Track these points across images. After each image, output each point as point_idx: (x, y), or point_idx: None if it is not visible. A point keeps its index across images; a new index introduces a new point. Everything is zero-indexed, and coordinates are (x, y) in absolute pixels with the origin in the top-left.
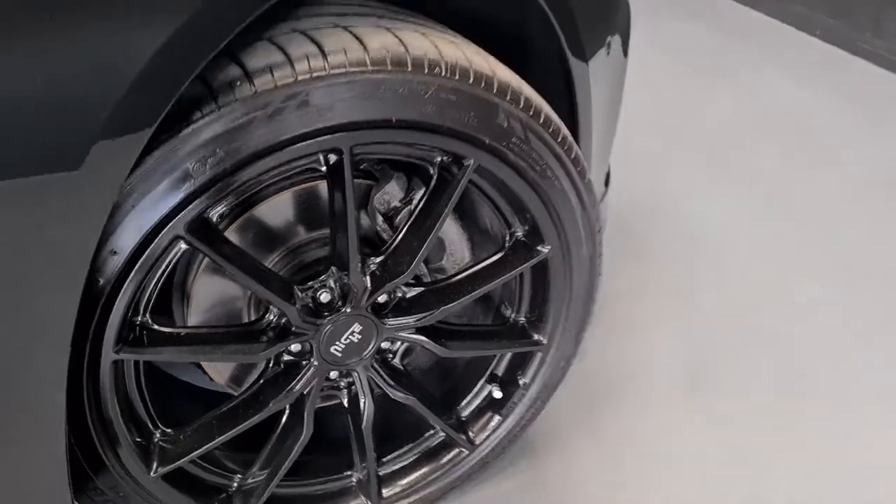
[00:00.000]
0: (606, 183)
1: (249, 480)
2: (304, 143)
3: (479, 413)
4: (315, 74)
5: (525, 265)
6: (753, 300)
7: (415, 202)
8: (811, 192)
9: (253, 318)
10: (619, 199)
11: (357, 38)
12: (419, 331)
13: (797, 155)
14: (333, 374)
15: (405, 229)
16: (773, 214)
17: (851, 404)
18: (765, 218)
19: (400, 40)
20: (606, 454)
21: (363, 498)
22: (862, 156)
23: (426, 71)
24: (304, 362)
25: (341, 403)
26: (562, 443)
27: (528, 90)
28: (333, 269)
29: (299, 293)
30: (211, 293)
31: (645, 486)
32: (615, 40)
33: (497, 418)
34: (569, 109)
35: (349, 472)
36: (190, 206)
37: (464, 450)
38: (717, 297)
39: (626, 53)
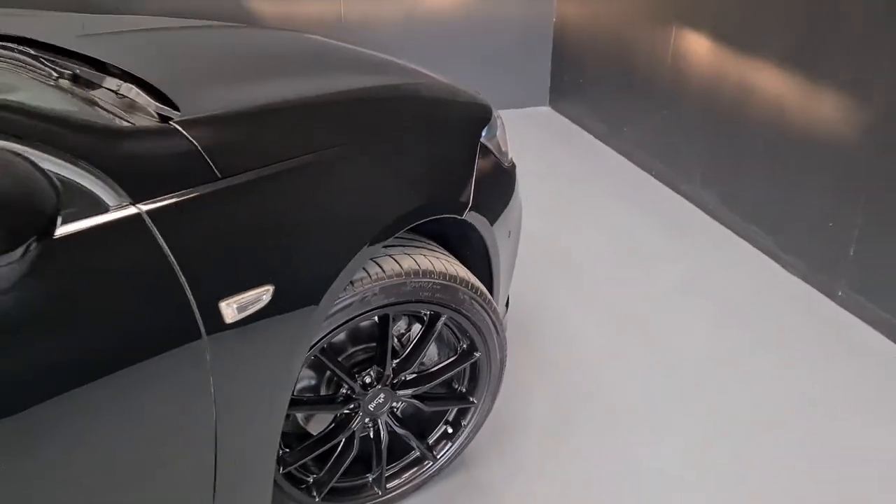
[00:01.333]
0: (507, 305)
1: (319, 477)
2: (371, 311)
3: (438, 440)
4: (378, 281)
5: (466, 363)
6: (593, 367)
7: (414, 333)
8: (636, 296)
9: (330, 391)
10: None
11: (395, 260)
12: (412, 396)
13: (630, 268)
14: (367, 420)
15: (410, 347)
16: (606, 310)
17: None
18: (599, 313)
19: (415, 261)
20: (503, 470)
21: (375, 489)
22: (674, 269)
23: (426, 277)
24: (355, 414)
25: (369, 435)
26: (477, 461)
27: (472, 279)
28: (375, 366)
29: (357, 378)
30: (307, 376)
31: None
32: (514, 229)
33: (449, 444)
34: (488, 272)
35: (367, 475)
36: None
37: (430, 461)
38: (571, 369)
39: (517, 237)
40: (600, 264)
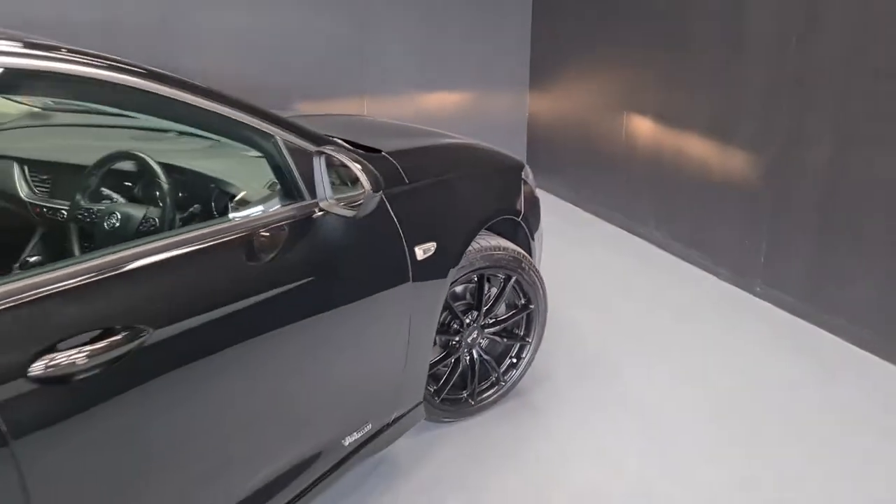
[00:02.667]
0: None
1: (437, 387)
2: (475, 270)
3: (507, 370)
4: (479, 252)
5: (524, 312)
6: (598, 330)
7: (495, 290)
8: (617, 301)
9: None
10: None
11: (487, 240)
12: (493, 334)
13: (609, 287)
14: (465, 349)
15: (492, 301)
16: (595, 306)
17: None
18: (592, 310)
19: (498, 241)
20: (544, 394)
21: (470, 401)
22: (639, 284)
23: (504, 251)
24: (459, 344)
25: (466, 361)
26: (528, 389)
27: (524, 254)
28: (472, 311)
29: (464, 319)
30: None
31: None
32: (539, 232)
33: (514, 371)
34: (528, 250)
35: (463, 392)
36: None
37: (503, 384)
38: (585, 332)
39: (541, 238)
40: (589, 281)
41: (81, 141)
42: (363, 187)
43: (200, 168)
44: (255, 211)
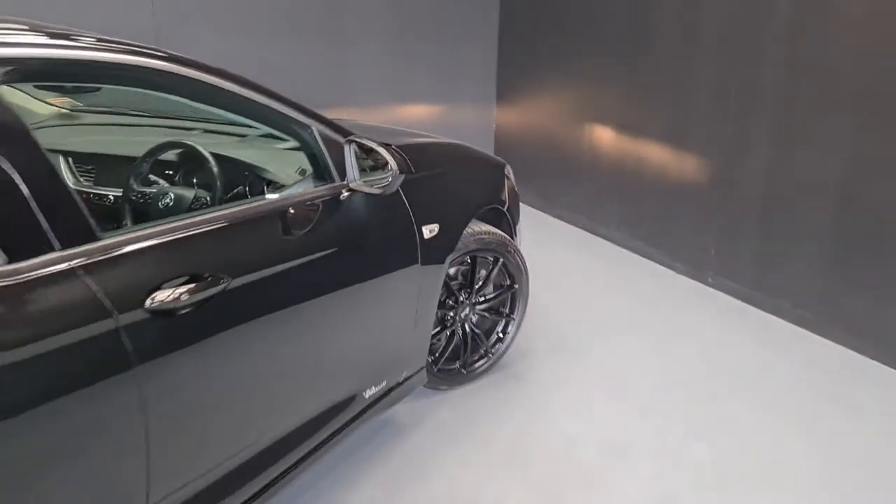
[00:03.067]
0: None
1: (434, 359)
2: (467, 252)
3: (494, 343)
4: (472, 236)
5: (509, 292)
6: (573, 312)
7: (483, 273)
8: (580, 292)
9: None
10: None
11: (478, 226)
12: (483, 311)
13: (573, 279)
14: (458, 323)
15: (482, 281)
16: (566, 296)
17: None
18: (563, 299)
19: (487, 228)
20: (526, 366)
21: (462, 371)
22: (603, 279)
23: (492, 235)
24: (453, 319)
25: (458, 334)
26: (511, 362)
27: (510, 239)
28: (465, 289)
29: (459, 296)
30: None
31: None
32: (520, 222)
33: (500, 345)
34: (511, 237)
35: (456, 363)
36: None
37: (491, 356)
38: (560, 311)
39: (520, 226)
40: (558, 275)
41: (114, 137)
42: (391, 168)
43: (236, 156)
44: (295, 190)
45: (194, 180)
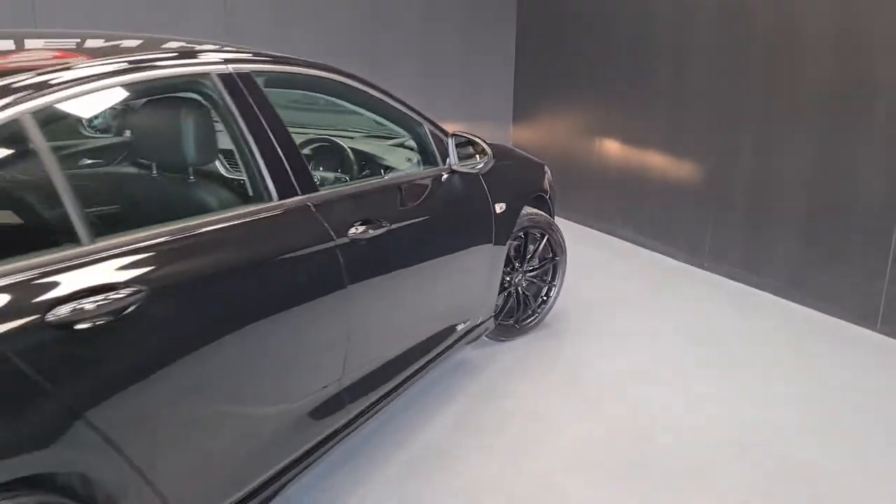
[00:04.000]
0: None
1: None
2: (522, 229)
3: (539, 305)
4: (525, 216)
5: (552, 263)
6: (601, 293)
7: (532, 247)
8: (600, 278)
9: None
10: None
11: (530, 208)
12: (531, 278)
13: (592, 269)
14: (514, 286)
15: (532, 254)
16: (587, 283)
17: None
18: (585, 285)
19: (537, 210)
20: (571, 326)
21: (515, 325)
22: (615, 268)
23: (540, 217)
24: (509, 283)
25: (513, 295)
26: (553, 322)
27: (553, 220)
28: (518, 259)
29: (514, 264)
30: None
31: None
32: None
33: (544, 306)
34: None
35: (511, 320)
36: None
37: (537, 315)
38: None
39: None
40: (577, 264)
41: None
42: (486, 154)
43: (359, 149)
44: (413, 171)
45: (320, 167)
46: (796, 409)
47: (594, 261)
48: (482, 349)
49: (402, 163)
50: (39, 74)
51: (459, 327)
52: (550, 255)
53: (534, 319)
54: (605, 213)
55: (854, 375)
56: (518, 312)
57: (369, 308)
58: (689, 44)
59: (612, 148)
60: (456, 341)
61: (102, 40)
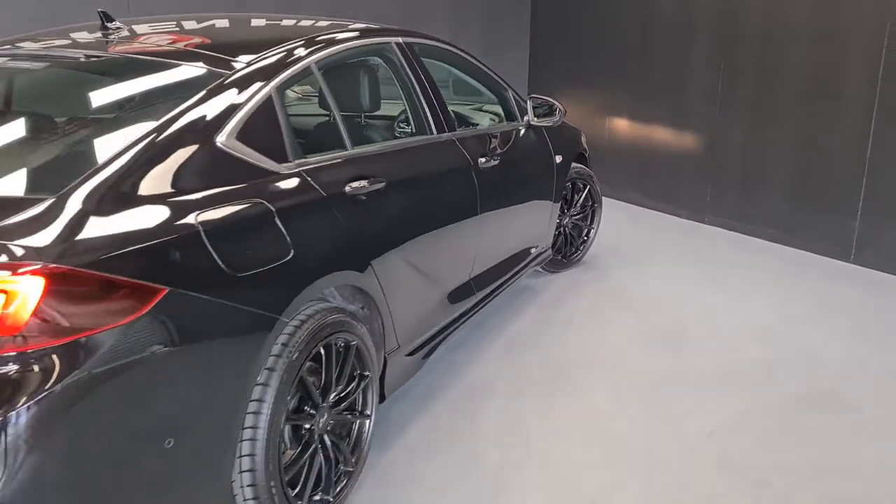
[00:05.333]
0: None
1: None
2: (569, 179)
3: (581, 244)
4: (572, 170)
5: (592, 209)
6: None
7: (577, 196)
8: (623, 232)
9: None
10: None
11: (577, 164)
12: (575, 220)
13: (614, 226)
14: (563, 225)
15: (578, 200)
16: (616, 233)
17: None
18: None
19: (581, 165)
20: (614, 264)
21: (562, 259)
22: (633, 227)
23: (584, 170)
24: (560, 221)
25: (562, 233)
26: (590, 261)
27: (592, 174)
28: (566, 206)
29: (564, 208)
30: None
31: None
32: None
33: (584, 244)
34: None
35: (559, 254)
36: None
37: (579, 250)
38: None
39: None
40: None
41: None
42: (559, 110)
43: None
44: (506, 125)
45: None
46: (790, 310)
47: (611, 219)
48: (539, 278)
49: (487, 119)
50: (310, 41)
51: (533, 250)
52: (591, 202)
53: (578, 255)
54: (615, 182)
55: (832, 289)
56: (565, 248)
57: (489, 219)
58: (689, 32)
59: (620, 125)
60: (531, 260)
61: (313, 21)
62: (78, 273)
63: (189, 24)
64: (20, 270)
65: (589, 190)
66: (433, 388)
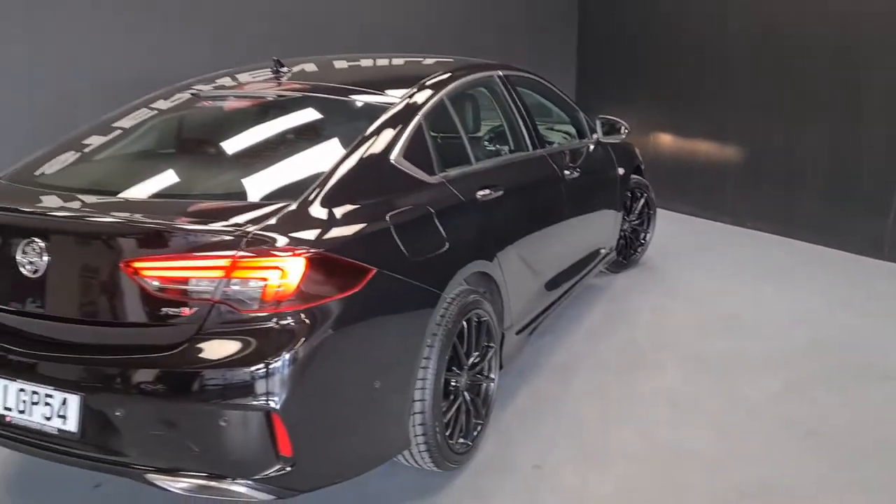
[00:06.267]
0: None
1: None
2: (630, 189)
3: (638, 246)
4: (633, 179)
5: (647, 215)
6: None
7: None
8: (672, 238)
9: None
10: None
11: (636, 175)
12: (634, 225)
13: (667, 230)
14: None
15: (638, 206)
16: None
17: None
18: (666, 236)
19: (639, 177)
20: (665, 263)
21: (624, 261)
22: (676, 229)
23: (641, 180)
24: (621, 226)
25: (623, 237)
26: (650, 259)
27: (649, 184)
28: (626, 212)
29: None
30: None
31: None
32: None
33: (641, 247)
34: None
35: (620, 256)
36: None
37: (637, 253)
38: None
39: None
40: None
41: None
42: (625, 129)
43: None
44: (579, 142)
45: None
46: (831, 299)
47: (658, 226)
48: (603, 278)
49: (559, 137)
50: (441, 77)
51: (602, 251)
52: (647, 209)
53: (636, 257)
54: (660, 192)
55: (868, 282)
56: (625, 251)
57: (572, 222)
58: (726, 48)
59: (663, 138)
60: (601, 259)
61: (434, 60)
62: (325, 256)
63: (340, 64)
64: (291, 254)
65: (645, 198)
66: (529, 367)
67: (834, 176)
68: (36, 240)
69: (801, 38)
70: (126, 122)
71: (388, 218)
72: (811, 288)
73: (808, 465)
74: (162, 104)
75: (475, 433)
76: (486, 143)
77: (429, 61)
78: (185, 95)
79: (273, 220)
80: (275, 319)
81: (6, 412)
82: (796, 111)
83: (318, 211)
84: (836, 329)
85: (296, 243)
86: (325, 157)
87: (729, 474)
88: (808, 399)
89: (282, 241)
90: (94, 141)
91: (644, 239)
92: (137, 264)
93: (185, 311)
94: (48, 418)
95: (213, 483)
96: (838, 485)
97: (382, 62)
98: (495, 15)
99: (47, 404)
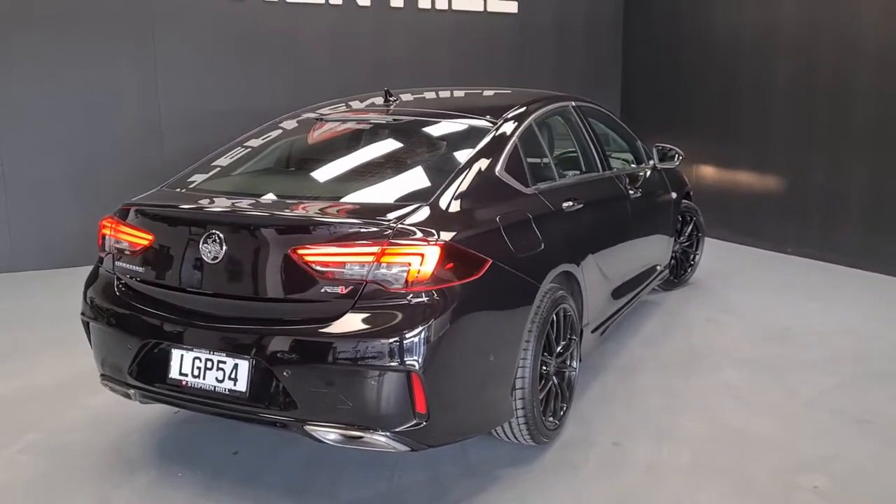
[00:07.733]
0: None
1: None
2: (679, 212)
3: (688, 266)
4: (681, 206)
5: (698, 237)
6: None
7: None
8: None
9: None
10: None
11: (685, 201)
12: (685, 247)
13: (708, 253)
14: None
15: (687, 231)
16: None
17: None
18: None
19: (688, 202)
20: (712, 280)
21: (675, 280)
22: (715, 250)
23: (691, 204)
24: (672, 247)
25: (674, 258)
26: (700, 278)
27: (697, 209)
28: (677, 234)
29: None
30: None
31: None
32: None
33: (690, 269)
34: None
35: (671, 275)
36: None
37: (687, 272)
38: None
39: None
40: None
41: None
42: (679, 155)
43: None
44: (638, 167)
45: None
46: (872, 314)
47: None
48: (656, 295)
49: (619, 162)
50: (529, 103)
51: (658, 267)
52: (696, 232)
53: (686, 276)
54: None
55: None
56: (676, 270)
57: (636, 238)
58: (769, 81)
59: (706, 168)
60: (657, 275)
61: (517, 91)
62: (454, 247)
63: (441, 94)
64: (429, 244)
65: (694, 222)
66: (597, 367)
67: (874, 203)
68: (216, 232)
69: (842, 72)
70: (261, 141)
71: (497, 219)
72: (854, 305)
73: (861, 443)
74: (291, 125)
75: (561, 413)
76: (563, 162)
77: (514, 92)
78: (312, 118)
79: (412, 217)
80: (415, 297)
81: (182, 377)
82: (835, 141)
83: (445, 211)
84: (881, 340)
85: (431, 235)
86: (446, 168)
87: (791, 450)
88: (857, 394)
89: (421, 233)
90: (237, 155)
91: (693, 260)
92: (304, 251)
93: (342, 289)
94: (220, 381)
95: (359, 433)
96: (890, 457)
97: (474, 93)
98: (544, 59)
99: (220, 369)
